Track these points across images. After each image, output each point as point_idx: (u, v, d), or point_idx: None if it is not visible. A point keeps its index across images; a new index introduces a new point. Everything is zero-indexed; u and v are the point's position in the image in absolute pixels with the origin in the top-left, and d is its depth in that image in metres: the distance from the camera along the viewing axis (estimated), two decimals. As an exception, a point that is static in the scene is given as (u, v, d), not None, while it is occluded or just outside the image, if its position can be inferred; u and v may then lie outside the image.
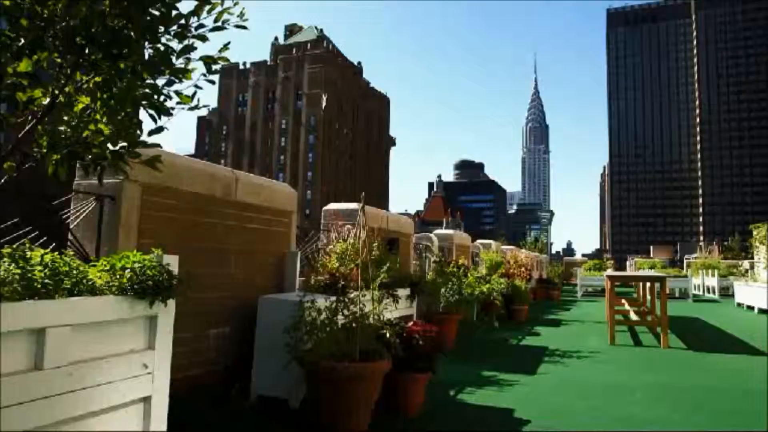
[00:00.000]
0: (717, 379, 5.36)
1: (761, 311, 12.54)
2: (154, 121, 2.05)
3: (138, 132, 2.12)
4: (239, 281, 4.01)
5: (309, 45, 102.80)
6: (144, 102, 2.05)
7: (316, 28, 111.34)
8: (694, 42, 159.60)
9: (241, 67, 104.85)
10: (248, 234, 4.15)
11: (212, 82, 2.13)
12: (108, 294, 2.05)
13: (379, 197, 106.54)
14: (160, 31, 2.02)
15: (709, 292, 20.51)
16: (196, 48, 2.05)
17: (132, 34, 1.96)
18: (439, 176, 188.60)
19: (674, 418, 3.93)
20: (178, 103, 2.09)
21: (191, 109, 2.12)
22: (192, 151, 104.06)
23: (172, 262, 2.26)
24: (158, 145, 2.21)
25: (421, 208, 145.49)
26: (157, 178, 3.12)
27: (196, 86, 2.08)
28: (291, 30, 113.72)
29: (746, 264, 19.38)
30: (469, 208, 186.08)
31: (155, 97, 2.04)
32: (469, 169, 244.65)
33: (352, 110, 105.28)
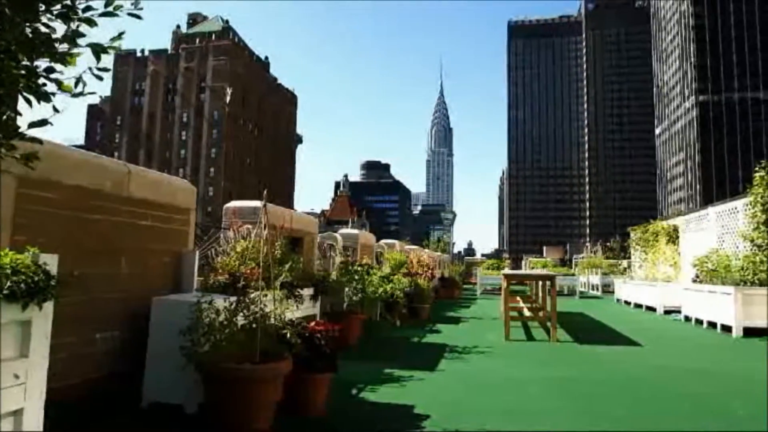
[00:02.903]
0: (601, 370, 5.80)
1: (636, 306, 13.79)
2: (29, 104, 1.86)
3: (15, 122, 1.92)
4: (131, 282, 3.77)
5: (214, 36, 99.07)
6: (20, 85, 1.85)
7: (221, 18, 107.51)
8: (584, 58, 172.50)
9: (139, 54, 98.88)
10: (142, 232, 3.92)
11: (100, 78, 1.96)
12: (-28, 297, 1.84)
13: (285, 195, 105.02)
14: (40, 9, 1.84)
15: (593, 290, 22.21)
16: (84, 35, 1.88)
17: (6, 10, 1.77)
18: (346, 176, 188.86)
19: (565, 408, 4.21)
20: (59, 88, 1.91)
21: (75, 95, 1.94)
22: (82, 141, 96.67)
23: (50, 261, 2.07)
24: (38, 141, 2.02)
25: (327, 207, 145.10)
26: (38, 169, 2.86)
27: (80, 79, 1.91)
28: (194, 19, 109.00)
29: (625, 263, 21.22)
30: (374, 208, 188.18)
31: (32, 80, 1.86)
32: (376, 169, 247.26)
33: (258, 106, 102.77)
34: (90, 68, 1.91)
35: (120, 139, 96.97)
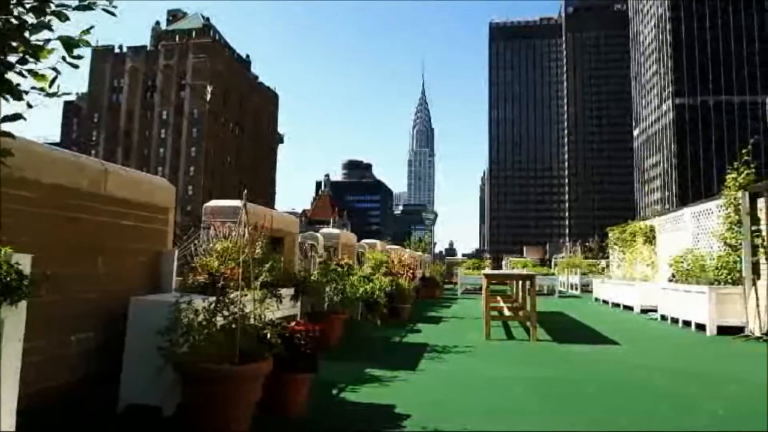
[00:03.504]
0: (580, 370, 5.86)
1: (614, 305, 13.98)
2: (5, 99, 1.82)
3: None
4: (109, 282, 3.71)
5: (194, 33, 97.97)
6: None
7: (202, 15, 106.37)
8: (564, 60, 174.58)
9: (117, 50, 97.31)
10: (120, 231, 3.85)
11: (75, 66, 1.93)
12: (-59, 297, 1.79)
13: (266, 195, 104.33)
14: (12, 2, 1.80)
15: (572, 289, 22.46)
16: (52, 30, 1.84)
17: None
18: (327, 175, 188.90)
19: (545, 407, 4.24)
20: (33, 88, 1.87)
21: (50, 95, 1.90)
22: (57, 139, 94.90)
23: (23, 261, 2.03)
24: (11, 135, 1.97)
25: (309, 206, 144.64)
26: (11, 167, 2.79)
27: (55, 69, 1.87)
28: (174, 16, 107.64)
29: (603, 263, 21.51)
30: (356, 208, 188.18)
31: (5, 76, 1.81)
32: (357, 169, 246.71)
33: (239, 104, 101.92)
34: (63, 57, 1.87)
35: (97, 137, 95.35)
